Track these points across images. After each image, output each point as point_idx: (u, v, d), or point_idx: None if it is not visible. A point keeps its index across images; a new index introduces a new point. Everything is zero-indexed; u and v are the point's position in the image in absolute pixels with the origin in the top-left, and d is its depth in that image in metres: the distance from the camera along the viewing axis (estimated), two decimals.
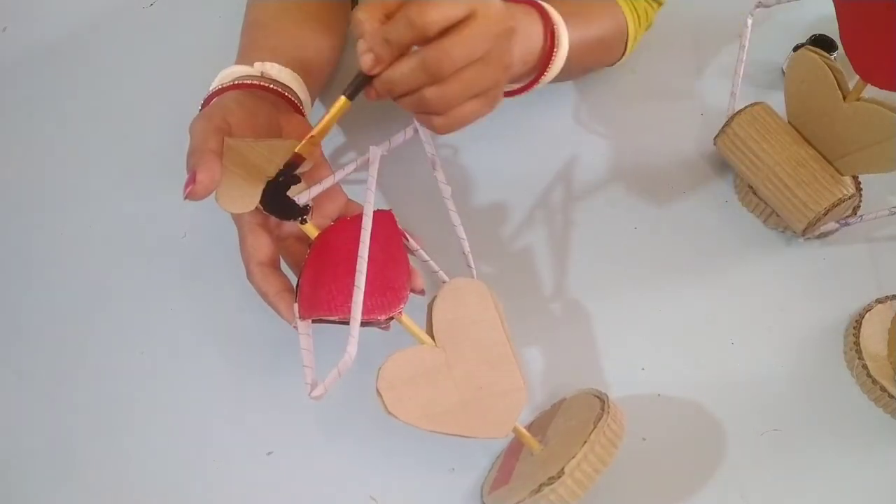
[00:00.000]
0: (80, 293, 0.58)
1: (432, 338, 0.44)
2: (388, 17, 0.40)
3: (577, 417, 0.46)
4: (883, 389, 0.52)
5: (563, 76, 0.55)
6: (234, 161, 0.44)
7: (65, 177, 0.64)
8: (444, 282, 0.46)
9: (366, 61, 0.40)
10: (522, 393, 0.44)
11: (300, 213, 0.46)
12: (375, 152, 0.45)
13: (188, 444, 0.52)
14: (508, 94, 0.54)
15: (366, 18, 0.40)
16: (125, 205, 0.62)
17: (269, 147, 0.46)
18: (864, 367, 0.53)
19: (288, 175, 0.46)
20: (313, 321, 0.42)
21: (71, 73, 0.70)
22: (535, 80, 0.53)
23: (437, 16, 0.38)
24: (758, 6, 0.58)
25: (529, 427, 0.48)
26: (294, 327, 0.43)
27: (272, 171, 0.45)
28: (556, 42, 0.51)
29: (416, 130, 0.47)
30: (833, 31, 0.57)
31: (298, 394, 0.53)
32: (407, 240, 0.47)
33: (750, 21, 0.58)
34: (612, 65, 0.66)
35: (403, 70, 0.40)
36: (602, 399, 0.46)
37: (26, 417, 0.53)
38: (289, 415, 0.53)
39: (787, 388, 0.54)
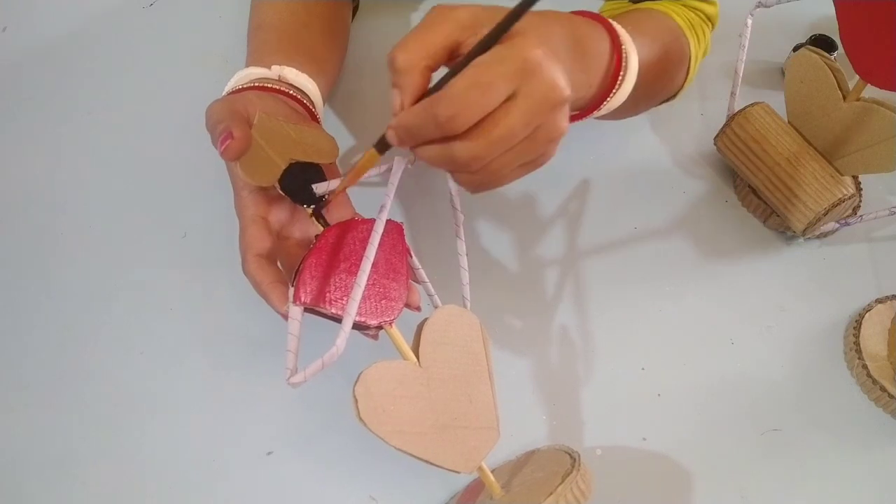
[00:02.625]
0: (80, 293, 0.58)
1: (416, 357, 0.43)
2: (429, 61, 0.36)
3: (545, 470, 0.45)
4: (883, 389, 0.52)
5: (626, 108, 0.49)
6: (263, 134, 0.44)
7: (65, 177, 0.63)
8: (437, 307, 0.45)
9: (390, 137, 0.37)
10: (494, 433, 0.44)
11: (314, 201, 0.46)
12: (400, 163, 0.45)
13: (188, 444, 0.52)
14: None
15: (405, 67, 0.35)
16: (125, 205, 0.62)
17: (297, 130, 0.46)
18: (864, 367, 0.53)
19: (312, 166, 0.46)
20: (304, 310, 0.42)
21: (71, 73, 0.70)
22: (597, 105, 0.47)
23: (467, 117, 0.33)
24: (758, 6, 0.58)
25: (493, 472, 0.47)
26: (283, 316, 0.43)
27: (296, 155, 0.45)
28: (623, 63, 0.45)
29: None
30: (833, 31, 0.57)
31: (299, 394, 0.53)
32: (411, 256, 0.47)
33: (750, 21, 0.58)
34: (675, 95, 0.59)
35: (432, 157, 0.36)
36: (574, 457, 0.45)
37: (26, 417, 0.53)
38: (289, 415, 0.53)
39: (787, 388, 0.54)
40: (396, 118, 0.36)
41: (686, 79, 0.58)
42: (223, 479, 0.51)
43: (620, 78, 0.46)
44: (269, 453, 0.52)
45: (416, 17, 0.74)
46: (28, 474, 0.51)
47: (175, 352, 0.55)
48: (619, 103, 0.48)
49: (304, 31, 0.57)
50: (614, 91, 0.46)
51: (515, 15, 0.33)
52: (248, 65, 0.53)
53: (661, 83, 0.55)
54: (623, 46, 0.45)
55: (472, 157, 0.35)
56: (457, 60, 0.36)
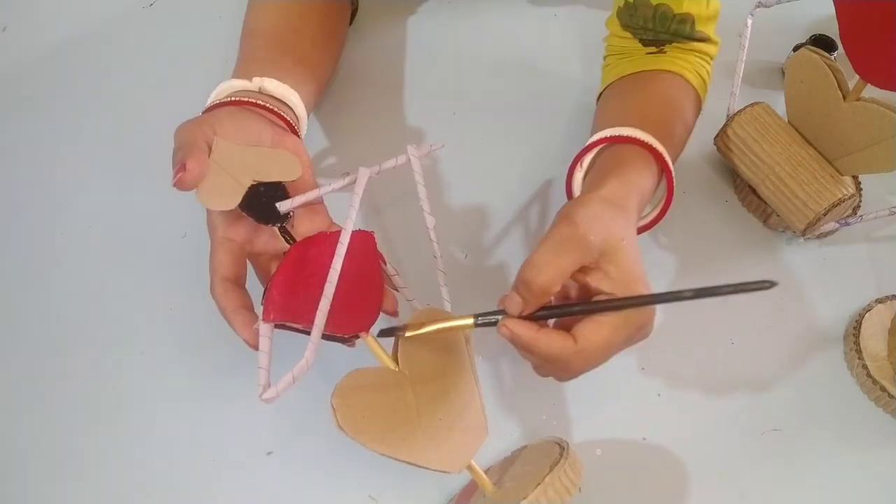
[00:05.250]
0: (79, 293, 0.58)
1: (396, 362, 0.43)
2: (559, 287, 0.40)
3: (534, 462, 0.45)
4: (883, 389, 0.52)
5: None
6: (221, 159, 0.44)
7: (65, 177, 0.64)
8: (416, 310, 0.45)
9: (502, 332, 0.41)
10: (482, 431, 0.43)
11: (279, 219, 0.46)
12: (364, 173, 0.45)
13: (188, 444, 0.52)
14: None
15: (540, 292, 0.40)
16: (125, 205, 0.62)
17: (258, 152, 0.46)
18: (864, 367, 0.53)
19: (274, 185, 0.46)
20: (276, 326, 0.42)
21: (71, 73, 0.70)
22: (660, 218, 0.54)
23: (582, 370, 0.42)
24: (758, 6, 0.58)
25: (487, 471, 0.47)
26: (247, 343, 0.43)
27: (258, 177, 0.45)
28: (672, 176, 0.52)
29: (408, 159, 0.47)
30: (833, 31, 0.57)
31: (298, 394, 0.53)
32: (385, 264, 0.47)
33: (750, 21, 0.58)
34: None
35: (533, 362, 0.43)
36: (562, 446, 0.45)
37: (26, 417, 0.53)
38: (289, 415, 0.53)
39: (787, 388, 0.54)
40: (516, 325, 0.40)
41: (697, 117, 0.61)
42: (223, 479, 0.51)
43: (674, 184, 0.52)
44: (269, 453, 0.52)
45: (415, 20, 0.74)
46: (28, 474, 0.51)
47: (175, 352, 0.55)
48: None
49: (295, 37, 0.57)
50: (671, 203, 0.53)
51: (649, 300, 0.41)
52: (234, 74, 0.53)
53: (683, 147, 0.59)
54: (668, 164, 0.51)
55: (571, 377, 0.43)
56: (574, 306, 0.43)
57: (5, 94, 0.69)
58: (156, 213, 0.61)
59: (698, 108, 0.59)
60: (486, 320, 0.41)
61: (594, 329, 0.40)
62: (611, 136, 0.51)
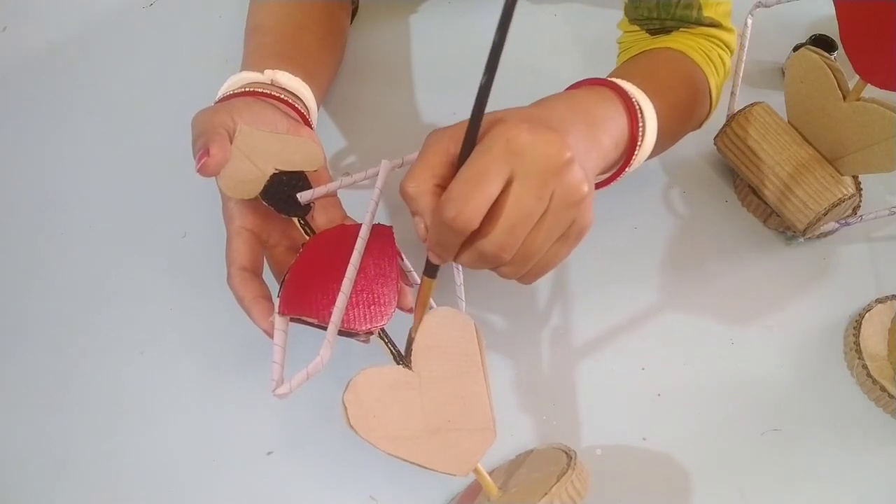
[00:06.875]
0: (80, 293, 0.58)
1: (409, 360, 0.43)
2: (436, 180, 0.36)
3: (541, 469, 0.45)
4: (883, 389, 0.52)
5: (653, 151, 0.51)
6: (244, 146, 0.44)
7: (65, 177, 0.63)
8: (431, 308, 0.45)
9: (431, 258, 0.38)
10: (490, 433, 0.43)
11: (300, 210, 0.46)
12: (386, 166, 0.45)
13: (188, 444, 0.52)
14: (598, 186, 0.49)
15: (416, 193, 0.36)
16: (125, 205, 0.62)
17: (281, 140, 0.46)
18: (864, 367, 0.53)
19: (296, 175, 0.46)
20: (291, 320, 0.42)
21: (71, 73, 0.70)
22: (623, 168, 0.49)
23: (471, 211, 0.34)
24: (758, 6, 0.58)
25: (491, 473, 0.46)
26: (266, 332, 0.43)
27: (281, 165, 0.45)
28: (640, 125, 0.47)
29: None
30: (833, 31, 0.57)
31: (299, 394, 0.53)
32: (402, 259, 0.47)
33: (750, 21, 0.58)
34: (701, 125, 0.59)
35: (468, 261, 0.37)
36: (570, 455, 0.45)
37: (25, 417, 0.53)
38: (289, 415, 0.53)
39: (787, 388, 0.54)
40: (428, 239, 0.37)
41: (709, 110, 0.58)
42: (223, 479, 0.51)
43: (640, 139, 0.47)
44: (269, 453, 0.52)
45: (415, 19, 0.74)
46: (28, 474, 0.51)
47: (175, 352, 0.55)
48: (643, 160, 0.50)
49: (300, 34, 0.57)
50: (636, 153, 0.48)
51: (479, 108, 0.33)
52: (242, 68, 0.53)
53: (681, 126, 0.55)
54: (637, 107, 0.46)
55: (498, 247, 0.35)
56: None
57: (5, 94, 0.69)
58: (156, 213, 0.61)
59: (702, 83, 0.56)
60: (430, 267, 0.40)
61: (457, 174, 0.35)
62: (570, 86, 0.48)
